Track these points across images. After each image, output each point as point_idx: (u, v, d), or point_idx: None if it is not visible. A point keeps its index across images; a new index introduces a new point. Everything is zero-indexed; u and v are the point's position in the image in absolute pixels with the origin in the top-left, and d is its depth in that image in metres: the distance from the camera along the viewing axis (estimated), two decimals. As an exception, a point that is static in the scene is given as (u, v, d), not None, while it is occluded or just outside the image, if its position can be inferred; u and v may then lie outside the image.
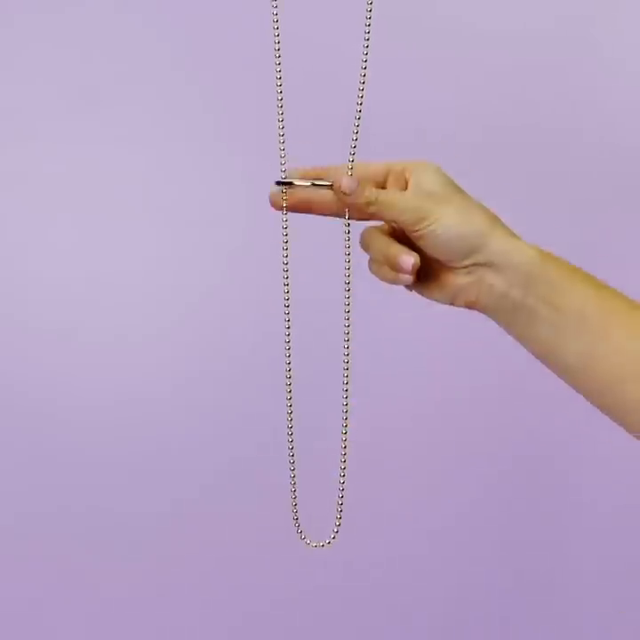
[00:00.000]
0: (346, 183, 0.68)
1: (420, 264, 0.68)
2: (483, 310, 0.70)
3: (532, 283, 0.67)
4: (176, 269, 1.34)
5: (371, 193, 0.68)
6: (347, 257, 0.72)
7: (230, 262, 1.35)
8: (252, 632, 1.40)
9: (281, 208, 0.71)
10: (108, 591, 1.36)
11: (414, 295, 0.72)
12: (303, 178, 0.71)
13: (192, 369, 1.35)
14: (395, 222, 0.69)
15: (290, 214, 0.71)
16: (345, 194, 0.68)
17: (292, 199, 0.71)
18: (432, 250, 0.68)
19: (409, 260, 0.67)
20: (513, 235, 0.69)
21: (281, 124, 0.70)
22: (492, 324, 0.71)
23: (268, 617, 1.39)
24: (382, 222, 0.71)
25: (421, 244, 0.68)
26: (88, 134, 1.31)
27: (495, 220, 0.69)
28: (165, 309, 1.35)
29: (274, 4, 0.70)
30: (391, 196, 0.68)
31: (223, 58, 1.30)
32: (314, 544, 0.72)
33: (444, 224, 0.67)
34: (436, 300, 0.71)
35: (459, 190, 0.70)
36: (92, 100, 1.30)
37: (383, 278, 0.70)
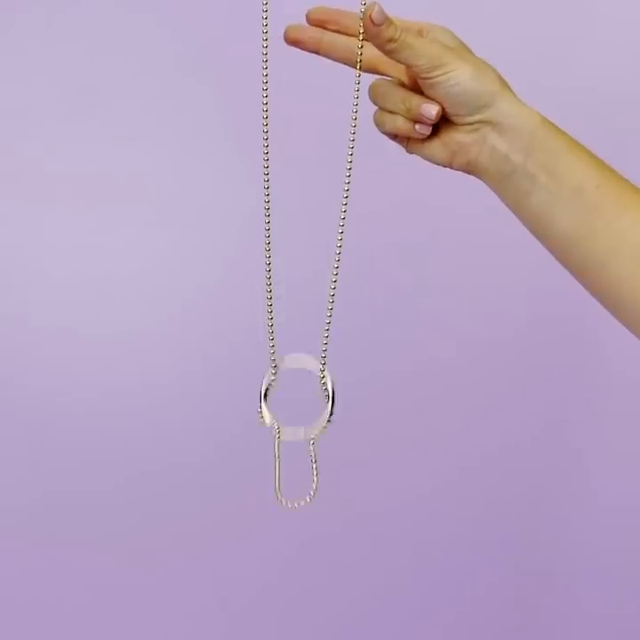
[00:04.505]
0: (377, 12, 0.67)
1: (441, 114, 0.68)
2: (481, 174, 0.70)
3: (533, 148, 0.68)
4: (175, 268, 1.35)
5: (396, 30, 0.67)
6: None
7: (229, 261, 1.35)
8: (241, 614, 1.42)
9: (296, 41, 0.72)
10: (100, 575, 1.38)
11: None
12: (323, 11, 0.72)
13: (190, 367, 1.36)
14: (410, 65, 0.68)
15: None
16: (374, 23, 0.67)
17: (302, 35, 0.71)
18: (442, 100, 0.68)
19: (434, 108, 0.68)
20: (521, 100, 0.69)
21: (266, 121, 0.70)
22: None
23: (253, 601, 1.41)
24: (389, 78, 0.72)
25: (431, 93, 0.68)
26: (88, 134, 1.31)
27: (506, 83, 0.70)
28: (164, 308, 1.35)
29: (264, 7, 0.71)
30: (413, 39, 0.68)
31: (224, 57, 1.30)
32: (290, 505, 0.72)
33: (459, 75, 0.67)
34: (434, 161, 0.72)
35: (473, 52, 0.71)
36: (92, 100, 1.30)
37: (395, 130, 0.70)
